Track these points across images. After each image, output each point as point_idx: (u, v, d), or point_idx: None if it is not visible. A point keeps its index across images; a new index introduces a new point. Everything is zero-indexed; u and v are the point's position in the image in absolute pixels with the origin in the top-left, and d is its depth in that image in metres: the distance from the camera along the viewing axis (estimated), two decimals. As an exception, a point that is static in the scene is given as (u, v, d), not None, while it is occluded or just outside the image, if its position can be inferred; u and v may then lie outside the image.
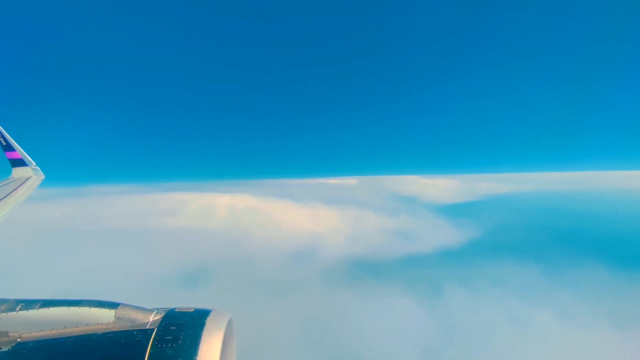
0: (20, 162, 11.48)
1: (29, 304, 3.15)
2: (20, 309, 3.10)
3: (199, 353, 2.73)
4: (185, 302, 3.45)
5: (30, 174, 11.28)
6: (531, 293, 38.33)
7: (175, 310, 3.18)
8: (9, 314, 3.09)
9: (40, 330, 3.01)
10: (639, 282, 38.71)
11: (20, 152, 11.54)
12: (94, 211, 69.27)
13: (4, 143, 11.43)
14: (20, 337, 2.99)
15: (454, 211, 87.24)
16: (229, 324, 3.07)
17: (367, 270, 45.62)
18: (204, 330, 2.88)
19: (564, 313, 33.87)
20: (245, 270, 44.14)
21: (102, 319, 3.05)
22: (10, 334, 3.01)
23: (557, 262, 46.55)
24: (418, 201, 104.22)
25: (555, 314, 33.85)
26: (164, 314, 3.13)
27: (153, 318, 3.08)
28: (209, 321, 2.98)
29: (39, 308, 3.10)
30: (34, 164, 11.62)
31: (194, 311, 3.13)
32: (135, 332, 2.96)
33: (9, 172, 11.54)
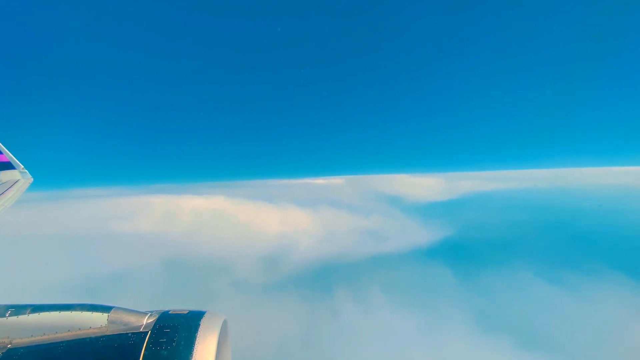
0: (7, 165, 11.08)
1: (19, 309, 3.11)
2: (10, 315, 3.06)
3: (193, 355, 2.72)
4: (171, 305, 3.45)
5: (18, 177, 10.93)
6: (458, 295, 38.41)
7: (169, 312, 3.18)
8: None
9: (32, 335, 2.97)
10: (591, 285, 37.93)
11: (7, 154, 11.15)
12: (59, 216, 67.53)
13: None
14: (10, 343, 2.95)
15: (433, 210, 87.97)
16: (224, 325, 3.07)
17: (316, 274, 45.35)
18: (199, 332, 2.89)
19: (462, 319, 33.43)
20: (182, 274, 43.77)
21: (95, 322, 3.03)
22: (0, 340, 2.96)
23: (512, 264, 46.01)
24: (399, 200, 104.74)
25: (451, 319, 33.50)
26: (157, 316, 3.12)
27: (147, 321, 3.07)
28: (204, 322, 2.99)
29: (29, 313, 3.06)
30: (22, 167, 11.23)
31: (188, 313, 3.13)
32: (128, 335, 2.94)
33: None
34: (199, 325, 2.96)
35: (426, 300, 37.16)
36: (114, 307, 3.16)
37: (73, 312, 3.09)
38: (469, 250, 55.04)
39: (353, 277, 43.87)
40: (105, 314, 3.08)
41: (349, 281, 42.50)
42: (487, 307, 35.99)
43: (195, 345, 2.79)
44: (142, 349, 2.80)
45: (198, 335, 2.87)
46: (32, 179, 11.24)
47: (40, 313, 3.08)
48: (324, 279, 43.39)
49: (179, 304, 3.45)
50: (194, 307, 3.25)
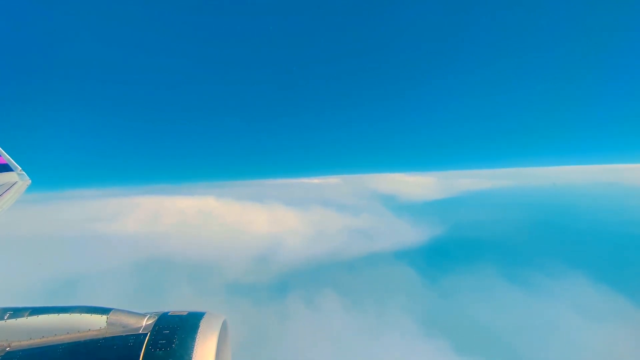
0: (5, 168, 10.96)
1: (17, 311, 3.10)
2: (8, 317, 3.05)
3: (193, 356, 2.72)
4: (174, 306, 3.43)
5: (16, 179, 10.82)
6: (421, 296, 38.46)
7: (169, 313, 3.17)
8: None
9: (30, 338, 2.96)
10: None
11: (5, 156, 11.05)
12: (54, 217, 67.35)
13: None
14: (9, 347, 2.93)
15: (428, 209, 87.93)
16: (223, 326, 3.07)
17: (303, 274, 45.03)
18: (198, 333, 2.88)
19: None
20: (170, 275, 43.65)
21: (94, 325, 3.02)
22: None
23: (501, 263, 45.57)
24: (394, 199, 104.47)
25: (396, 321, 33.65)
26: (157, 317, 3.11)
27: (146, 322, 3.06)
28: (203, 323, 2.98)
29: (28, 316, 3.05)
30: (20, 168, 11.13)
31: (188, 314, 3.13)
32: (128, 337, 2.93)
33: None
34: (199, 326, 2.95)
35: (403, 301, 37.31)
36: (112, 309, 3.15)
37: (72, 314, 3.08)
38: (459, 249, 54.99)
39: (340, 277, 43.95)
40: (104, 316, 3.07)
41: (335, 281, 42.52)
42: (465, 308, 36.20)
43: (195, 347, 2.78)
44: (141, 350, 2.79)
45: (198, 337, 2.86)
46: (30, 181, 11.15)
47: (39, 316, 3.07)
48: (309, 278, 43.24)
49: (168, 305, 3.45)
50: (193, 308, 3.24)
